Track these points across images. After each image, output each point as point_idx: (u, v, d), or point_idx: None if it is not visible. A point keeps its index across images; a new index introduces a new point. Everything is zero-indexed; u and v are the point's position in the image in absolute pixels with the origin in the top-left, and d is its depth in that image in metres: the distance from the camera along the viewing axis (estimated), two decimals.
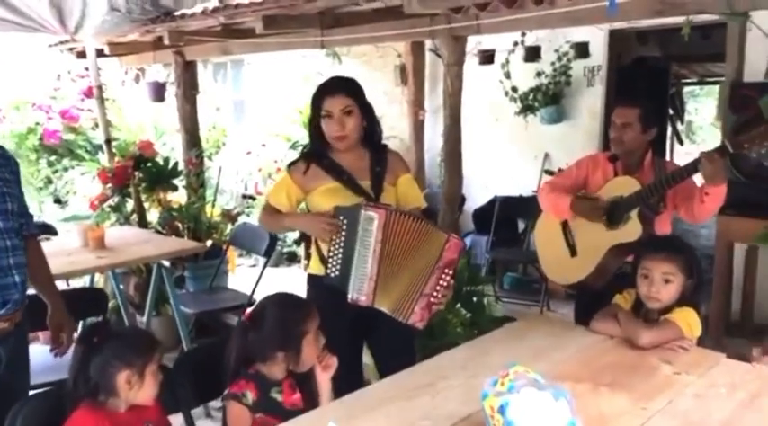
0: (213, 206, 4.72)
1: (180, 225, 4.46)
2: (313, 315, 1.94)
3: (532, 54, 5.34)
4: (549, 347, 2.00)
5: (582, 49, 5.09)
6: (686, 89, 10.00)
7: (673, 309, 2.06)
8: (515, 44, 5.34)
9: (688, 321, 2.03)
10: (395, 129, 6.56)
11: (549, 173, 5.25)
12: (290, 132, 6.66)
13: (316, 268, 2.44)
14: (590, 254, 2.64)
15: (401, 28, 3.30)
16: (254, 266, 6.25)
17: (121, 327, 1.88)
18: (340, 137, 2.34)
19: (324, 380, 1.93)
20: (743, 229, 3.65)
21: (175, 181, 4.65)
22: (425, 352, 2.47)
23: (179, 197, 4.85)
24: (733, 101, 4.06)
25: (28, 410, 1.73)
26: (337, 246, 2.26)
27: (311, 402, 1.90)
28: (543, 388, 1.42)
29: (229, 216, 4.70)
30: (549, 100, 5.20)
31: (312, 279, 2.47)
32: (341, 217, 2.26)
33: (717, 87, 9.30)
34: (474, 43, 5.58)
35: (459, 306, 2.98)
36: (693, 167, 2.37)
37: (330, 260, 2.28)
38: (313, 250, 2.48)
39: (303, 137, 6.59)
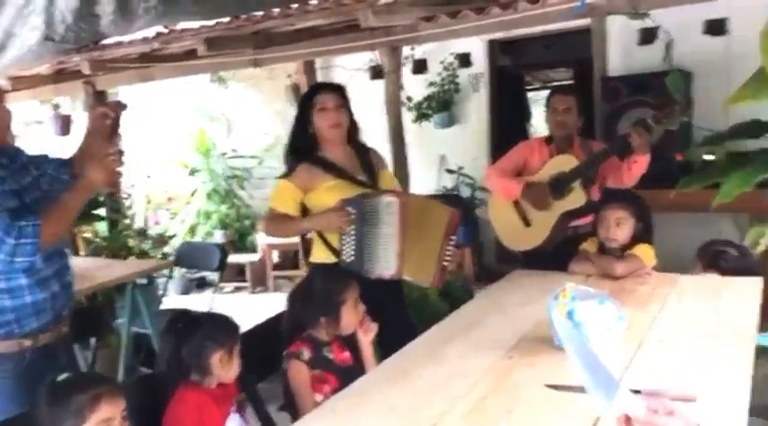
0: (144, 234, 4.70)
1: (109, 253, 4.41)
2: (351, 286, 2.21)
3: (420, 66, 5.85)
4: (548, 287, 2.40)
5: (465, 59, 5.70)
6: (529, 94, 11.14)
7: (630, 247, 2.57)
8: (405, 58, 5.83)
9: (645, 254, 2.55)
10: None
11: (450, 171, 5.82)
12: (186, 158, 6.67)
13: (322, 256, 2.66)
14: (542, 223, 3.08)
15: (339, 42, 3.62)
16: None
17: (202, 313, 1.99)
18: (336, 125, 2.60)
19: (365, 342, 2.21)
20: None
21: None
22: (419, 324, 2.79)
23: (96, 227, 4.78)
24: (604, 92, 4.84)
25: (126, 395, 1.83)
26: (350, 235, 2.51)
27: (358, 359, 2.18)
28: (592, 296, 1.83)
29: (162, 240, 4.71)
30: (440, 107, 5.74)
31: (318, 266, 2.69)
32: (349, 208, 2.52)
33: None
34: (366, 60, 6.03)
35: None
36: (624, 141, 2.88)
37: (344, 248, 2.52)
38: (317, 242, 2.71)
39: (200, 163, 6.65)
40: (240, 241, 6.47)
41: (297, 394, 2.04)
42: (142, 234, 6.16)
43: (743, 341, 1.80)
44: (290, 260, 6.32)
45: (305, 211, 2.67)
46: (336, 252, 2.59)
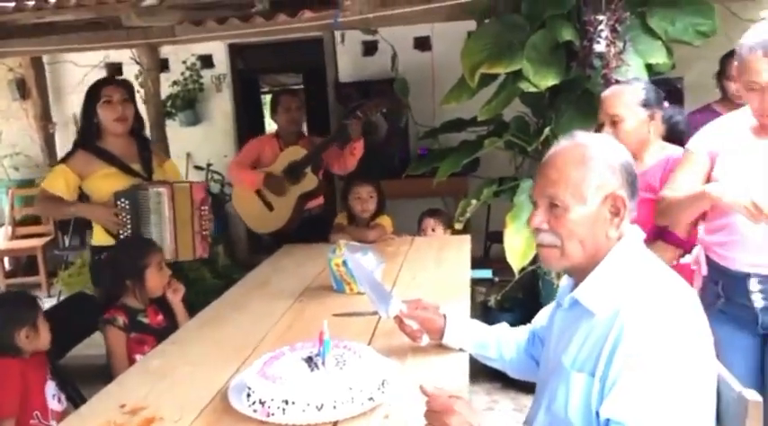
0: None
1: None
2: (152, 251, 2.47)
3: (161, 65, 5.96)
4: (314, 254, 2.88)
5: (207, 61, 5.98)
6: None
7: (373, 219, 3.20)
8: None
9: (387, 223, 3.20)
10: (18, 146, 6.40)
11: (199, 168, 6.03)
12: None
13: (102, 239, 2.84)
14: (284, 206, 3.49)
15: (91, 38, 3.66)
16: None
17: None
18: (121, 119, 2.80)
19: (175, 302, 2.49)
20: None
21: None
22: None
23: None
24: (338, 96, 5.55)
25: None
26: (126, 224, 2.73)
27: (173, 320, 2.45)
28: (359, 250, 2.37)
29: None
30: (185, 105, 5.94)
31: (99, 248, 2.86)
32: (122, 199, 2.73)
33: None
34: (101, 57, 5.95)
35: None
36: (344, 130, 3.38)
37: (121, 236, 2.74)
38: (96, 226, 2.87)
39: None
40: None
41: (112, 356, 2.25)
42: None
43: (461, 274, 2.50)
44: (24, 266, 5.93)
45: (83, 196, 2.85)
46: (115, 236, 2.79)
